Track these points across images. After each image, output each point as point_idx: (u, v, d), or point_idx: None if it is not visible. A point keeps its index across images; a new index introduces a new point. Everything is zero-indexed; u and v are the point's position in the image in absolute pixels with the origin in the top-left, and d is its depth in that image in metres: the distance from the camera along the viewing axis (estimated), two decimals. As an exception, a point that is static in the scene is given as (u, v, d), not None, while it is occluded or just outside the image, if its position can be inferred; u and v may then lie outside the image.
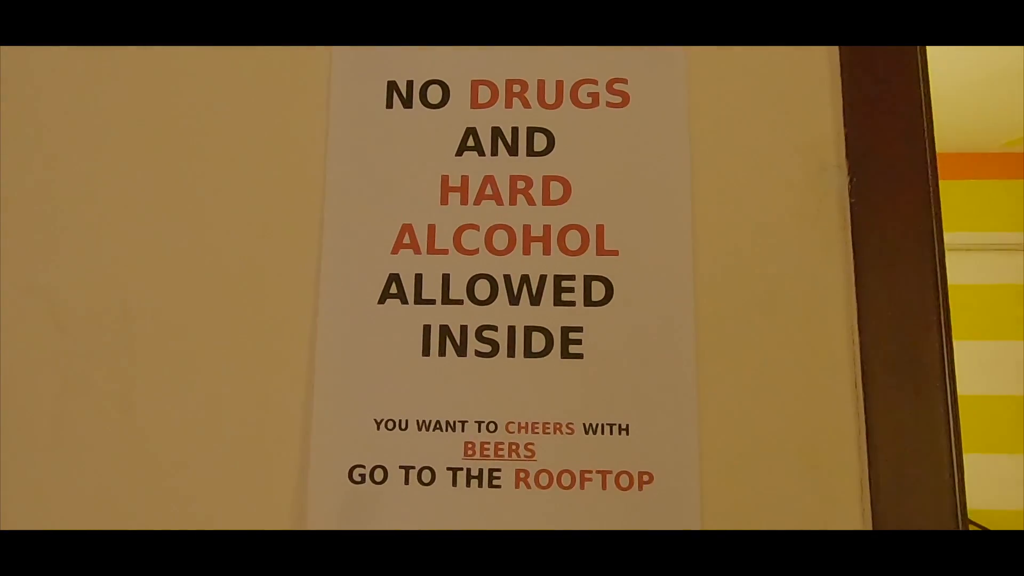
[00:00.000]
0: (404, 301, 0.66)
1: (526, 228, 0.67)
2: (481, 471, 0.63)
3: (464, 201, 0.68)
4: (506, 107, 0.69)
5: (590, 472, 0.62)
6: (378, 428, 0.64)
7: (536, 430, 0.63)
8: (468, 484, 0.63)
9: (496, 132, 0.69)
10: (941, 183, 0.68)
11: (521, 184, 0.68)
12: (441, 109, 0.69)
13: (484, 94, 0.70)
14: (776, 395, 0.64)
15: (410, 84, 0.70)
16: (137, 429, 0.66)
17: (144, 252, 0.69)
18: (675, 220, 0.66)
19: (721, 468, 0.63)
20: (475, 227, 0.67)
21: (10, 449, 0.66)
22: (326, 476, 0.63)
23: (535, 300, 0.65)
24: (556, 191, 0.67)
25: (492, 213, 0.67)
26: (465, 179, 0.68)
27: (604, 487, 0.62)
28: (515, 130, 0.69)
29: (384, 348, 0.65)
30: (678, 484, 0.62)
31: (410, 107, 0.70)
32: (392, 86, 0.70)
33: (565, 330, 0.65)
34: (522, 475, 0.63)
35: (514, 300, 0.66)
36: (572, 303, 0.65)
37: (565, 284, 0.66)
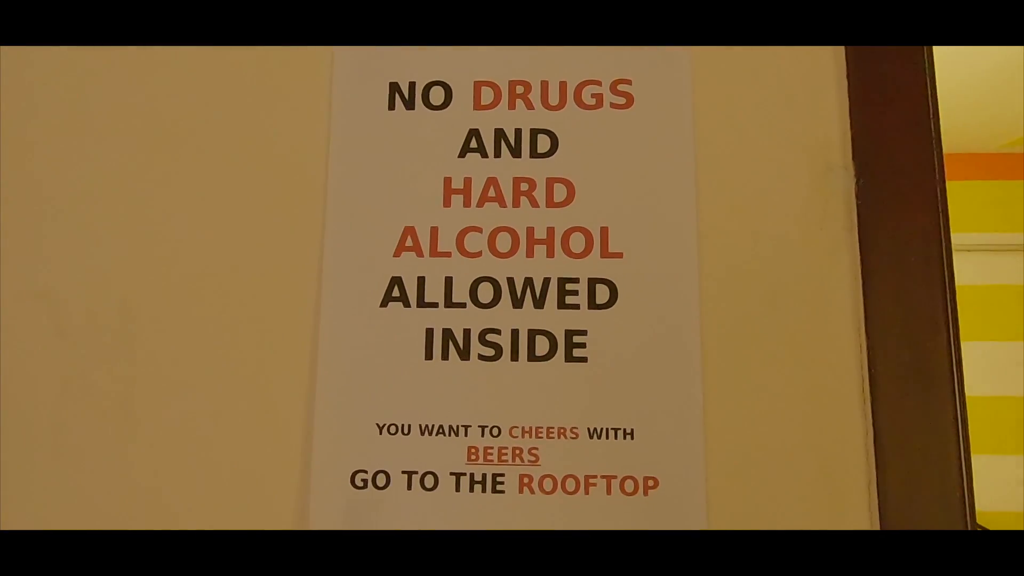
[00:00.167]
0: (406, 304, 0.65)
1: (529, 230, 0.66)
2: (484, 476, 0.62)
3: (467, 203, 0.67)
4: (509, 108, 0.69)
5: (595, 477, 0.62)
6: (380, 432, 0.63)
7: (540, 435, 0.63)
8: (471, 489, 0.62)
9: (499, 134, 0.68)
10: (942, 184, 0.67)
11: (524, 186, 0.67)
12: (444, 110, 0.69)
13: (487, 95, 0.69)
14: (782, 399, 0.63)
15: (412, 85, 0.69)
16: (137, 433, 0.65)
17: (144, 254, 0.68)
18: (680, 222, 0.66)
19: (727, 473, 0.62)
20: (478, 229, 0.66)
21: (10, 452, 0.65)
22: (328, 481, 0.63)
23: (539, 303, 0.65)
24: (560, 193, 0.67)
25: (495, 215, 0.67)
26: (468, 181, 0.67)
27: (609, 492, 0.61)
28: (518, 131, 0.68)
29: (386, 352, 0.64)
30: (684, 489, 0.61)
31: (412, 108, 0.69)
32: (394, 87, 0.69)
33: (569, 333, 0.64)
34: (526, 480, 0.62)
35: (517, 303, 0.65)
36: (576, 306, 0.65)
37: (569, 287, 0.65)
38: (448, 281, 0.66)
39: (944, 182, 0.66)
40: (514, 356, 0.64)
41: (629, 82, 0.69)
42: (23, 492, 0.65)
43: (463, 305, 0.65)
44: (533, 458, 0.62)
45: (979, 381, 2.61)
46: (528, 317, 0.65)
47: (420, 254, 0.66)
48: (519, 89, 0.69)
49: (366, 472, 0.63)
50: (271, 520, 0.63)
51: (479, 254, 0.66)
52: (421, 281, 0.66)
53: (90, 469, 0.65)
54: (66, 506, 0.64)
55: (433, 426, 0.63)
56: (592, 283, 0.65)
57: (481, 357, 0.64)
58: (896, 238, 0.65)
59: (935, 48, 0.70)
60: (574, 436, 0.63)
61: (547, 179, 0.67)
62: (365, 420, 0.63)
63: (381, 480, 0.63)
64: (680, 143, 0.67)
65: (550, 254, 0.66)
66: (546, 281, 0.65)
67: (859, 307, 0.64)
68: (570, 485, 0.62)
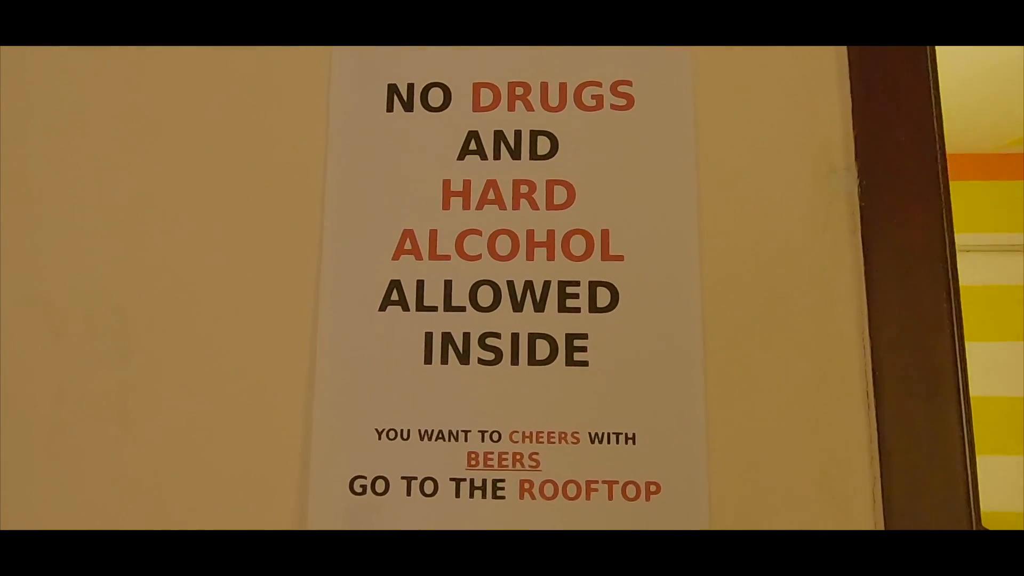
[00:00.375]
0: (405, 308, 0.65)
1: (529, 233, 0.66)
2: (484, 482, 0.62)
3: (466, 206, 0.66)
4: (509, 110, 0.68)
5: (596, 482, 0.61)
6: (379, 438, 0.63)
7: (541, 439, 0.62)
8: (471, 495, 0.61)
9: (499, 135, 0.68)
10: (942, 186, 0.67)
11: (524, 188, 0.67)
12: (442, 112, 0.68)
13: (486, 97, 0.69)
14: (786, 402, 0.63)
15: (411, 87, 0.69)
16: (134, 439, 0.65)
17: (141, 258, 0.68)
18: (681, 224, 0.65)
19: (730, 478, 0.61)
20: (477, 232, 0.66)
21: (7, 455, 0.65)
22: (327, 486, 0.62)
23: (539, 307, 0.64)
24: (560, 195, 0.66)
25: (495, 218, 0.66)
26: (467, 183, 0.67)
27: (610, 497, 0.61)
28: (518, 133, 0.68)
29: (385, 356, 0.64)
30: (686, 494, 0.61)
31: (411, 110, 0.68)
32: (393, 89, 0.69)
33: (570, 337, 0.64)
34: (526, 486, 0.61)
35: (518, 307, 0.64)
36: (577, 309, 0.64)
37: (570, 290, 0.65)
38: (447, 284, 0.65)
39: (947, 183, 0.66)
40: (514, 360, 0.63)
41: (629, 83, 0.68)
42: (20, 496, 0.64)
43: (463, 309, 0.65)
44: (534, 463, 0.62)
45: (981, 381, 2.61)
46: (528, 321, 0.64)
47: (419, 257, 0.66)
48: (519, 90, 0.69)
49: (365, 478, 0.62)
50: (269, 526, 0.63)
51: (479, 257, 0.65)
52: (420, 284, 0.65)
53: (87, 475, 0.64)
54: (62, 511, 0.64)
55: (432, 431, 0.63)
56: (593, 286, 0.65)
57: (481, 361, 0.64)
58: (899, 239, 0.64)
59: (936, 48, 0.70)
60: (575, 441, 0.62)
61: (547, 181, 0.67)
62: (364, 425, 0.63)
63: (380, 486, 0.62)
64: (681, 144, 0.67)
65: (550, 257, 0.65)
66: (546, 284, 0.65)
67: (862, 309, 0.64)
68: (571, 491, 0.61)
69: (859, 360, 0.63)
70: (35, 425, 0.65)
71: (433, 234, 0.66)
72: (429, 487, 0.62)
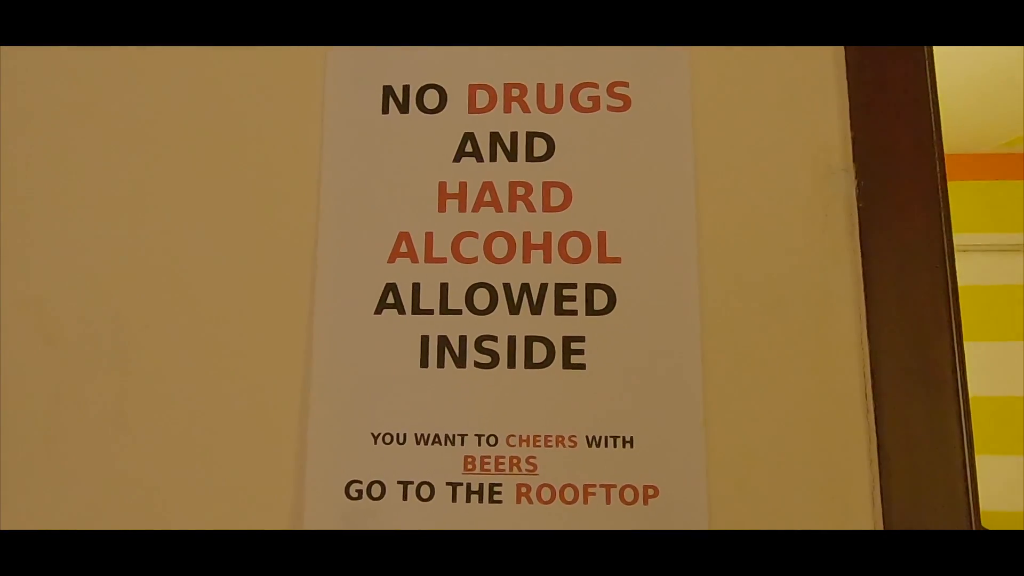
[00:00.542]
0: (401, 311, 0.64)
1: (526, 235, 0.65)
2: (481, 486, 0.61)
3: (462, 208, 0.66)
4: (505, 112, 0.68)
5: (594, 486, 0.61)
6: (375, 442, 0.62)
7: (538, 443, 0.62)
8: (468, 500, 0.61)
9: (495, 137, 0.67)
10: (942, 185, 0.67)
11: (521, 190, 0.66)
12: (438, 114, 0.68)
13: (482, 98, 0.68)
14: (785, 404, 0.62)
15: (406, 89, 0.69)
16: (129, 445, 0.64)
17: (135, 261, 0.67)
18: (679, 226, 0.65)
19: (729, 480, 0.61)
20: (474, 235, 0.66)
21: (2, 460, 0.64)
22: (323, 491, 0.62)
23: (536, 309, 0.64)
24: (556, 197, 0.66)
25: (491, 220, 0.66)
26: (463, 186, 0.66)
27: (608, 502, 0.60)
28: (514, 135, 0.67)
29: (381, 360, 0.63)
30: (684, 498, 0.60)
31: (406, 112, 0.68)
32: (388, 91, 0.69)
33: (567, 340, 0.63)
34: (524, 490, 0.61)
35: (514, 309, 0.64)
36: (574, 312, 0.64)
37: (566, 292, 0.64)
38: (443, 287, 0.65)
39: (945, 183, 0.66)
40: (511, 363, 0.63)
41: (626, 84, 0.68)
42: (16, 500, 0.64)
43: (459, 312, 0.64)
44: (531, 467, 0.61)
45: (980, 381, 2.60)
46: (525, 323, 0.64)
47: (415, 260, 0.65)
48: (515, 92, 0.68)
49: (361, 482, 0.62)
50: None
51: (475, 260, 0.65)
52: (416, 287, 0.65)
53: (82, 481, 0.64)
54: (58, 517, 0.63)
55: (429, 435, 0.62)
56: (590, 288, 0.64)
57: (477, 364, 0.63)
58: (898, 240, 0.64)
59: (935, 48, 0.69)
60: (572, 444, 0.62)
61: (544, 183, 0.66)
62: (360, 429, 0.63)
63: (376, 491, 0.62)
64: (679, 146, 0.66)
65: (547, 259, 0.65)
66: (543, 287, 0.64)
67: (861, 309, 0.63)
68: (569, 494, 0.61)
69: (858, 360, 0.63)
70: (30, 430, 0.65)
71: (429, 236, 0.66)
72: (425, 492, 0.61)
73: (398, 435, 0.62)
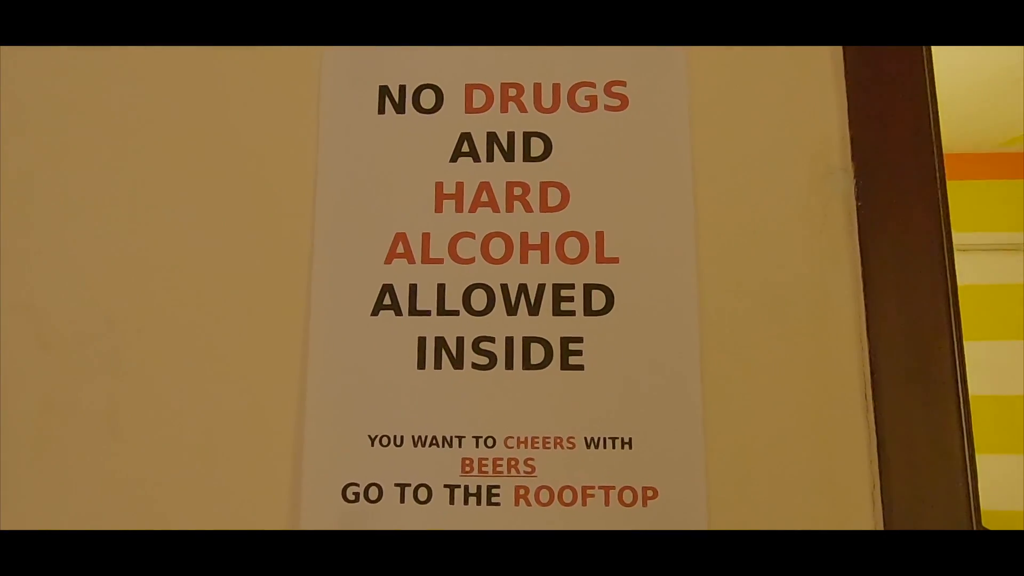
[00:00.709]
0: (398, 312, 0.64)
1: (523, 236, 0.65)
2: (479, 488, 0.61)
3: (459, 208, 0.66)
4: (502, 111, 0.67)
5: (592, 488, 0.61)
6: (372, 444, 0.62)
7: (536, 445, 0.61)
8: (466, 502, 0.61)
9: (491, 137, 0.67)
10: (941, 185, 0.66)
11: (518, 190, 0.66)
12: (435, 114, 0.68)
13: (479, 98, 0.68)
14: (784, 405, 0.62)
15: (403, 89, 0.68)
16: (123, 449, 0.64)
17: (130, 263, 0.67)
18: (677, 226, 0.64)
19: (728, 481, 0.61)
20: (471, 235, 0.65)
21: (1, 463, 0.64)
22: (319, 494, 0.61)
23: (533, 310, 0.64)
24: (554, 197, 0.66)
25: (488, 220, 0.65)
26: (460, 186, 0.66)
27: (607, 503, 0.60)
28: (511, 135, 0.67)
29: (378, 361, 0.63)
30: (684, 499, 0.60)
31: (403, 112, 0.68)
32: (384, 91, 0.68)
33: (565, 341, 0.63)
34: (522, 492, 0.61)
35: (512, 310, 0.64)
36: (572, 313, 0.63)
37: (564, 293, 0.64)
38: (440, 288, 0.64)
39: (944, 182, 0.66)
40: (509, 364, 0.63)
41: (624, 84, 0.68)
42: (11, 503, 0.63)
43: (456, 313, 0.64)
44: (529, 469, 0.61)
45: (980, 380, 2.60)
46: (523, 324, 0.63)
47: (412, 261, 0.65)
48: (511, 91, 0.68)
49: (358, 485, 0.61)
50: (262, 534, 0.62)
51: (472, 260, 0.65)
52: (413, 288, 0.64)
53: (75, 485, 0.63)
54: (53, 521, 0.63)
55: (426, 437, 0.62)
56: (588, 289, 0.64)
57: (475, 366, 0.63)
58: (897, 239, 0.64)
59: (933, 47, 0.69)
60: (571, 446, 0.61)
61: (541, 183, 0.66)
62: (357, 432, 0.62)
63: (373, 493, 0.61)
64: (676, 146, 0.66)
65: (544, 260, 0.65)
66: (541, 287, 0.64)
67: (860, 309, 0.63)
68: (567, 496, 0.61)
69: (857, 360, 0.63)
70: (26, 434, 0.64)
71: (426, 237, 0.65)
72: (423, 494, 0.61)
73: (395, 437, 0.62)
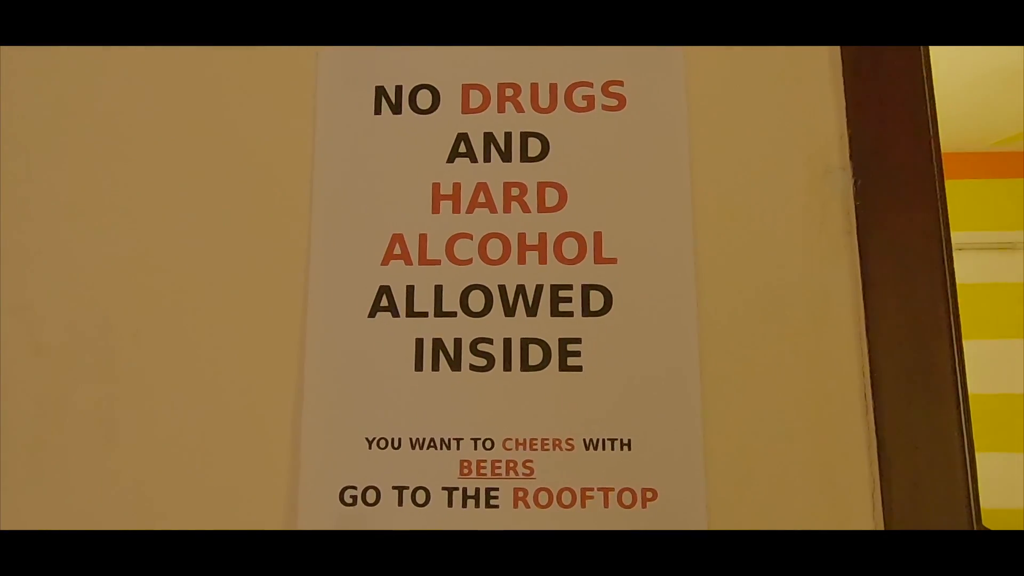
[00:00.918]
0: (395, 314, 0.64)
1: (521, 236, 0.65)
2: (478, 490, 0.61)
3: (456, 209, 0.66)
4: (498, 112, 0.67)
5: (591, 490, 0.60)
6: (370, 447, 0.62)
7: (534, 446, 0.61)
8: (464, 504, 0.60)
9: (488, 138, 0.67)
10: (940, 184, 0.66)
11: (515, 191, 0.66)
12: (431, 115, 0.67)
13: (475, 98, 0.68)
14: (783, 405, 0.62)
15: (399, 89, 0.68)
16: (118, 452, 0.63)
17: (126, 266, 0.66)
18: (675, 226, 0.64)
19: (728, 482, 0.61)
20: (468, 236, 0.65)
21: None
22: (317, 497, 0.61)
23: (531, 311, 0.63)
24: (551, 198, 0.66)
25: (486, 221, 0.65)
26: (457, 187, 0.66)
27: (606, 505, 0.60)
28: (508, 135, 0.67)
29: (375, 363, 0.63)
30: (683, 501, 0.60)
31: (399, 113, 0.68)
32: (380, 91, 0.68)
33: (563, 342, 0.63)
34: (520, 494, 0.60)
35: (510, 311, 0.63)
36: (570, 313, 0.63)
37: (562, 294, 0.64)
38: (438, 290, 0.64)
39: (943, 181, 0.66)
40: (507, 366, 0.62)
41: (621, 83, 0.67)
42: (11, 503, 0.63)
43: (453, 314, 0.64)
44: (528, 471, 0.61)
45: (980, 379, 2.60)
46: (521, 325, 0.63)
47: (409, 262, 0.65)
48: (508, 92, 0.68)
49: (355, 488, 0.61)
50: (259, 538, 0.62)
51: (469, 261, 0.65)
52: (410, 290, 0.64)
53: (71, 488, 0.63)
54: (50, 521, 0.63)
55: (424, 439, 0.62)
56: (586, 290, 0.64)
57: (473, 367, 0.63)
58: (896, 238, 0.64)
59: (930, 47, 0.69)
60: (569, 448, 0.61)
61: (538, 184, 0.66)
62: (354, 434, 0.62)
63: (371, 496, 0.61)
64: (674, 145, 0.66)
65: (542, 260, 0.64)
66: (539, 288, 0.64)
67: (859, 309, 0.63)
68: (566, 498, 0.60)
69: (857, 360, 0.62)
70: (22, 437, 0.64)
71: (423, 238, 0.65)
72: (421, 497, 0.61)
73: (393, 440, 0.62)
